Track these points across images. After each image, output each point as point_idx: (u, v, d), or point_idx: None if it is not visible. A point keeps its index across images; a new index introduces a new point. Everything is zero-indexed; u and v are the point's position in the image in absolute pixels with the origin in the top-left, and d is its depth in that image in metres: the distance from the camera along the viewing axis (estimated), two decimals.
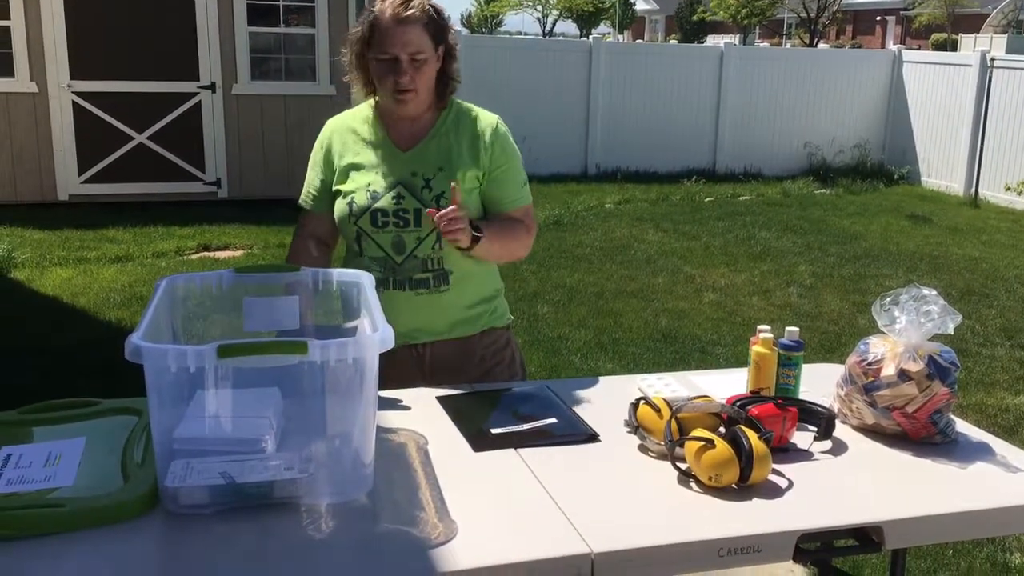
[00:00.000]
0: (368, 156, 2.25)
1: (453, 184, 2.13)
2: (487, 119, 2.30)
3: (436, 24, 2.16)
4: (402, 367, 2.24)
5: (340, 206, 2.25)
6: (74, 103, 8.51)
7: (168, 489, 1.54)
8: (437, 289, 2.24)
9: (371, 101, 2.30)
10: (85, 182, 8.69)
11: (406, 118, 2.25)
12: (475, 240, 2.14)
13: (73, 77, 8.45)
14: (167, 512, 1.54)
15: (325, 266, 2.22)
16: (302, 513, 1.56)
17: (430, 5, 2.15)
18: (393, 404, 2.05)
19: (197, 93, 8.79)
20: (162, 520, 1.53)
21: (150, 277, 6.33)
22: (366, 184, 2.22)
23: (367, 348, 1.55)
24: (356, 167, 2.25)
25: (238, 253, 7.37)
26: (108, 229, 7.83)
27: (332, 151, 2.30)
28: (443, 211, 2.07)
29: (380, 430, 1.82)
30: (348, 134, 2.29)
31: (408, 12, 2.11)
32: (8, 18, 8.21)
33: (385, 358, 2.22)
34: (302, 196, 2.37)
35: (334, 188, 2.28)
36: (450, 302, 2.26)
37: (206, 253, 7.35)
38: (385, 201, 2.20)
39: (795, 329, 2.14)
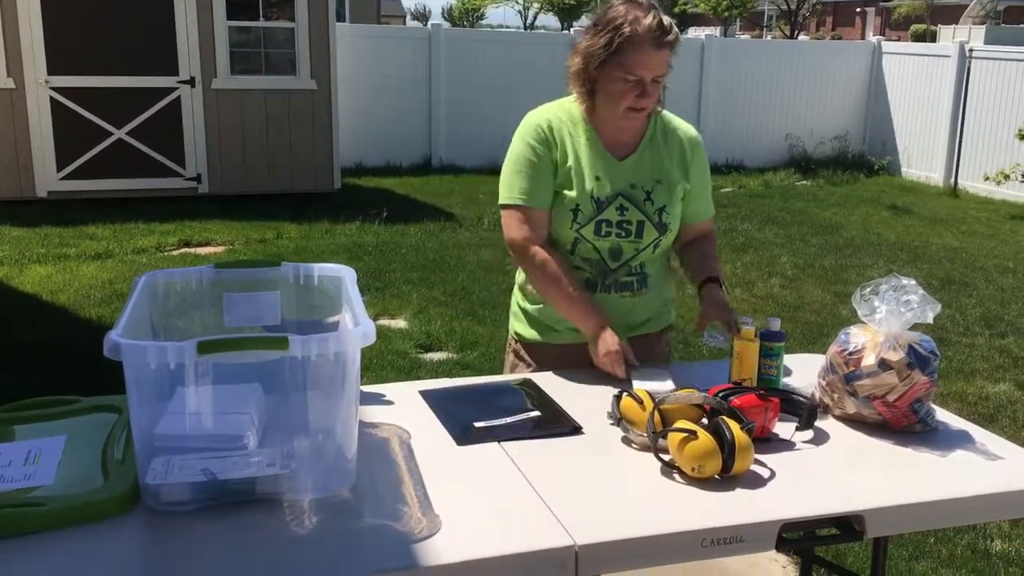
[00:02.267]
0: (586, 161, 2.23)
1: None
2: (688, 130, 2.36)
3: (676, 44, 2.17)
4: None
5: (563, 211, 2.23)
6: (52, 99, 8.43)
7: (149, 486, 1.53)
8: (639, 292, 2.31)
9: (574, 101, 2.27)
10: (64, 178, 8.61)
11: (621, 128, 2.24)
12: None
13: (51, 72, 8.37)
14: (148, 510, 1.53)
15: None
16: (285, 509, 1.55)
17: (673, 24, 2.15)
18: (376, 399, 2.05)
19: (176, 88, 8.72)
20: (143, 518, 1.52)
21: (130, 274, 6.29)
22: (589, 192, 2.21)
23: (348, 343, 1.54)
24: (578, 171, 2.23)
25: (219, 249, 7.33)
26: (88, 226, 7.77)
27: (556, 149, 2.23)
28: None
29: (363, 425, 1.82)
30: (566, 135, 2.25)
31: (667, 37, 2.12)
32: None
33: (576, 353, 2.27)
34: (521, 196, 2.24)
35: (556, 188, 2.23)
36: (646, 303, 2.34)
37: (187, 249, 7.31)
38: (610, 212, 2.22)
39: (776, 320, 2.15)
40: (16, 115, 8.37)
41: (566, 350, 2.31)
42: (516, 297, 2.44)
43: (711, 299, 2.26)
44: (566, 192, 2.22)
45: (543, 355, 2.34)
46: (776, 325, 2.14)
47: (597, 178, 2.22)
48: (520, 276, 2.41)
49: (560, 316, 2.29)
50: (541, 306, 2.33)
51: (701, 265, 2.36)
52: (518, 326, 2.41)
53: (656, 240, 2.27)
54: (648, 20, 2.10)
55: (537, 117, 2.28)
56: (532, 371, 2.32)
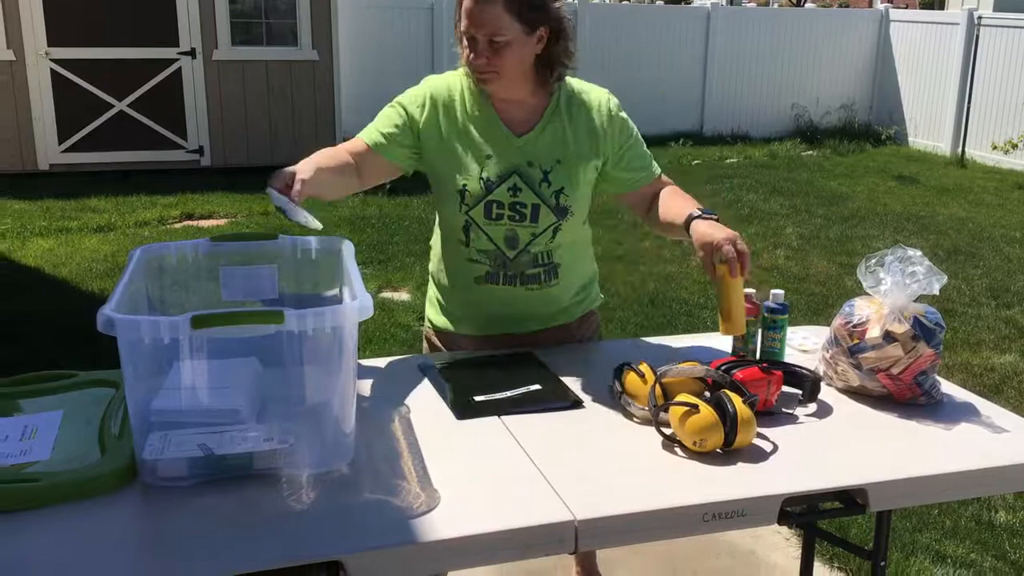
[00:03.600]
0: (477, 136, 2.08)
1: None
2: (598, 98, 2.15)
3: (523, 4, 1.94)
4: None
5: (449, 193, 2.10)
6: (52, 71, 8.39)
7: (146, 462, 1.52)
8: (547, 284, 2.18)
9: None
10: (66, 151, 8.59)
11: (509, 100, 2.08)
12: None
13: (51, 44, 8.32)
14: (145, 485, 1.52)
15: (353, 188, 2.11)
16: (282, 484, 1.54)
17: None
18: (374, 372, 2.03)
19: (177, 59, 8.67)
20: (140, 493, 1.51)
21: (133, 247, 6.25)
22: (478, 171, 2.07)
23: (345, 317, 1.52)
24: (464, 145, 2.08)
25: (222, 222, 7.31)
26: (90, 198, 7.75)
27: (436, 120, 2.09)
28: (741, 255, 1.90)
29: (361, 399, 1.81)
30: (455, 104, 2.09)
31: None
32: None
33: (486, 343, 2.23)
34: (368, 133, 2.11)
35: (435, 164, 2.10)
36: (557, 295, 2.22)
37: (190, 222, 7.29)
38: (500, 192, 2.06)
39: (780, 292, 2.12)
40: (17, 87, 8.33)
41: (476, 342, 2.25)
42: (430, 284, 2.35)
43: (694, 236, 1.98)
44: (446, 168, 2.09)
45: (454, 345, 2.27)
46: (780, 297, 2.11)
47: (488, 156, 2.07)
48: (432, 264, 2.32)
49: (465, 308, 2.23)
50: (450, 294, 2.25)
51: (668, 217, 2.11)
52: (431, 312, 2.34)
53: (555, 225, 2.10)
54: None
55: (429, 84, 2.13)
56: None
